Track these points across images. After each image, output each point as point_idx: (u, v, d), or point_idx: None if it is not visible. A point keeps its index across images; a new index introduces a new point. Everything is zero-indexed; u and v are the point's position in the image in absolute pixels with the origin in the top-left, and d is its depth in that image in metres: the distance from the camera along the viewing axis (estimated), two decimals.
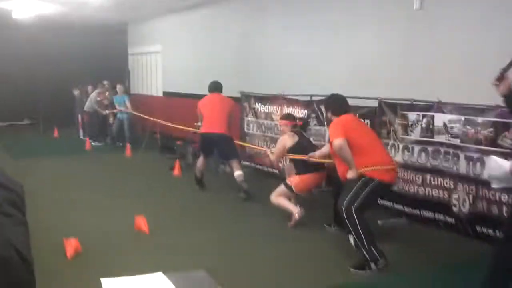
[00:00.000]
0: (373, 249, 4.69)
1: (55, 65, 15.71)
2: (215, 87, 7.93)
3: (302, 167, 6.25)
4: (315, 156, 6.16)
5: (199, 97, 11.61)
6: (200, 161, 7.88)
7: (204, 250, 5.32)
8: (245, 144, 9.00)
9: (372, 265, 4.67)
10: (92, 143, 12.50)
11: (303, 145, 6.37)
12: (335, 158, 5.21)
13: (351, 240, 4.80)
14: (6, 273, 0.95)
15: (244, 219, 6.50)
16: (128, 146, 11.33)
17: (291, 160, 6.54)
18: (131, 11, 13.69)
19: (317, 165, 6.25)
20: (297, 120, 6.65)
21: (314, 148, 6.49)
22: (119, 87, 12.51)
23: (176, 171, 9.06)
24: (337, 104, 5.39)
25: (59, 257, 4.89)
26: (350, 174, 4.89)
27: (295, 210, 6.07)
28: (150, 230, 5.75)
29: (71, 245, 5.02)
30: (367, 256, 4.68)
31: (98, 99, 12.92)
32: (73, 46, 15.87)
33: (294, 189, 6.21)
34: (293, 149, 6.36)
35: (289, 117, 6.72)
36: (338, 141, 4.83)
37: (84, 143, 12.37)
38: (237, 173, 7.46)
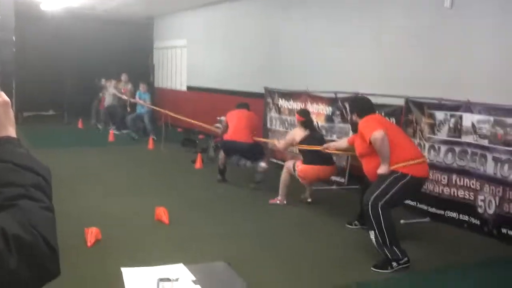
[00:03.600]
0: (395, 249, 4.59)
1: (81, 57, 15.81)
2: (243, 104, 8.33)
3: (309, 158, 6.50)
4: (330, 147, 6.26)
5: (223, 92, 11.69)
6: (222, 155, 8.01)
7: (224, 242, 5.30)
8: (256, 138, 8.75)
9: (394, 264, 4.57)
10: (115, 132, 12.65)
11: (315, 138, 6.61)
12: (363, 157, 5.09)
13: (372, 236, 4.67)
14: (30, 259, 0.92)
15: (265, 212, 6.46)
16: (151, 139, 11.38)
17: (300, 151, 6.80)
18: (157, 5, 13.75)
19: (326, 158, 6.46)
20: (304, 118, 6.77)
21: (324, 141, 6.70)
22: (142, 86, 12.70)
23: (198, 164, 9.06)
24: (362, 106, 5.25)
25: (80, 246, 4.91)
26: (382, 169, 4.73)
27: (282, 198, 6.70)
28: (170, 221, 5.76)
29: (91, 234, 5.04)
30: (388, 255, 4.58)
31: (123, 92, 13.18)
32: (100, 39, 15.96)
33: (297, 173, 6.50)
34: (304, 142, 6.59)
35: (299, 112, 7.02)
36: (379, 133, 4.66)
37: (108, 135, 12.46)
38: (261, 164, 7.66)
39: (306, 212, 6.39)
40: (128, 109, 13.25)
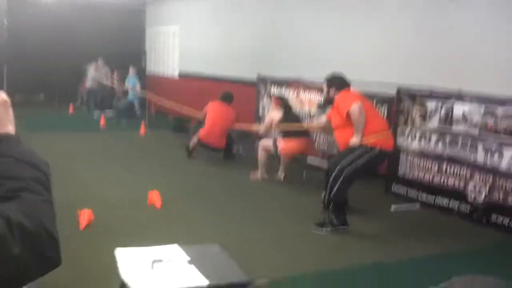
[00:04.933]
0: (333, 217, 5.08)
1: (73, 43, 15.66)
2: (226, 96, 8.42)
3: (288, 133, 6.95)
4: (312, 125, 6.94)
5: (215, 78, 11.66)
6: (195, 141, 8.46)
7: (216, 225, 5.34)
8: (239, 124, 8.64)
9: (328, 228, 5.12)
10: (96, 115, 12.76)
11: (292, 116, 7.19)
12: (337, 129, 5.45)
13: (323, 195, 5.22)
14: (33, 247, 0.96)
15: (257, 195, 6.53)
16: (143, 124, 11.38)
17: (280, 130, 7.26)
18: None
19: (303, 132, 7.00)
20: (281, 101, 7.37)
21: (301, 120, 7.45)
22: (131, 70, 12.70)
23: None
24: (340, 80, 5.52)
25: (72, 228, 4.90)
26: (354, 141, 5.11)
27: (259, 175, 7.17)
28: (162, 205, 5.78)
29: (84, 216, 5.05)
30: (326, 217, 5.15)
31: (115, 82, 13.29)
32: (92, 24, 15.80)
33: (279, 151, 6.94)
34: (282, 122, 7.03)
35: (277, 97, 7.72)
36: (357, 104, 5.09)
37: (99, 120, 12.42)
38: (236, 147, 8.59)
39: (294, 193, 6.47)
40: (120, 93, 13.45)
